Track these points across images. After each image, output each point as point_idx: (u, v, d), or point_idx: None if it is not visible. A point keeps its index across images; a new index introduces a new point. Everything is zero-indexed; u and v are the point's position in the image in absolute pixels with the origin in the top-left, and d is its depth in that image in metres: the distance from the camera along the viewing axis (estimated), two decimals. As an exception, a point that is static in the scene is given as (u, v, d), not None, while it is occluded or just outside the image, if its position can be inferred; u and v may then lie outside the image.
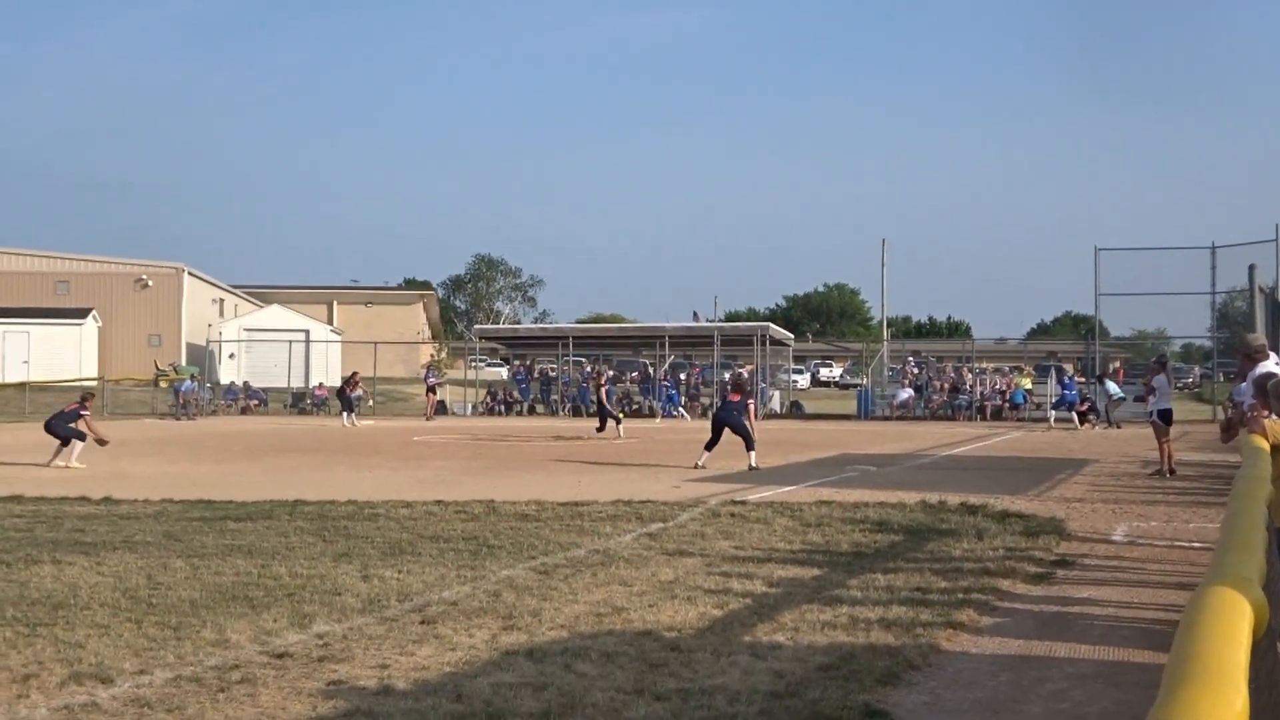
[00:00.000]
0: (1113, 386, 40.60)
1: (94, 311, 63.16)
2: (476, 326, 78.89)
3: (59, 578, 10.09)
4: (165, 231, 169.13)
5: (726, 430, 21.86)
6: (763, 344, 52.12)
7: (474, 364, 61.44)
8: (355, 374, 45.20)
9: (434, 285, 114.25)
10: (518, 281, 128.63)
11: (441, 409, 50.12)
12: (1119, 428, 38.80)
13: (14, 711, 6.27)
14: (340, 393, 44.22)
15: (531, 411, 52.57)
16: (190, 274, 67.56)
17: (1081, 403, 43.05)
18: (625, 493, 16.54)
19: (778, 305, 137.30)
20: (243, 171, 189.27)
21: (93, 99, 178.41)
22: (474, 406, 53.45)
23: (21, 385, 52.75)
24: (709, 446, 21.89)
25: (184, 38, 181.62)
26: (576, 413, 50.09)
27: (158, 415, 49.01)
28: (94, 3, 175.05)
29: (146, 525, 13.45)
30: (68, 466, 21.67)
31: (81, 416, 22.62)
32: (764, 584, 9.78)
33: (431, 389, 48.94)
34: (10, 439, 30.82)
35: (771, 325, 57.16)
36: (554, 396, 53.64)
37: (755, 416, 23.75)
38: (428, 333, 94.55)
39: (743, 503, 15.35)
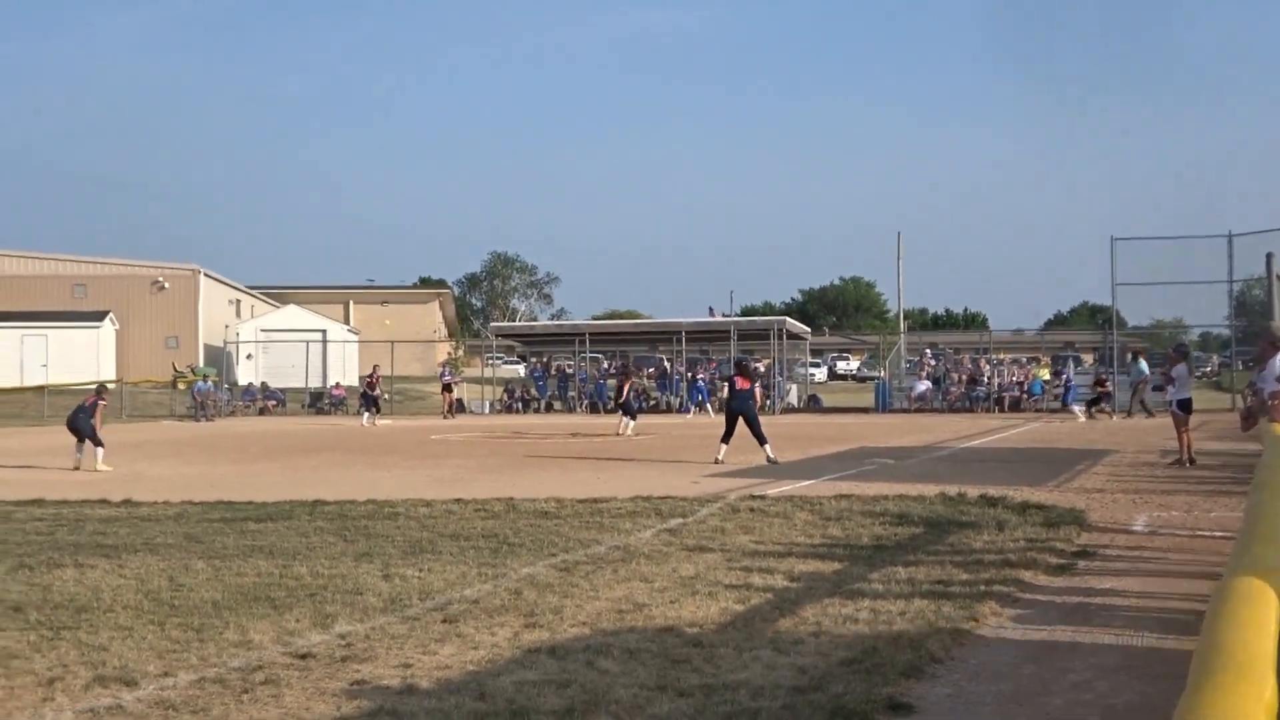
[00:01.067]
0: (1144, 366, 39.41)
1: (111, 314, 63.36)
2: (492, 324, 78.93)
3: (81, 581, 10.14)
4: (180, 233, 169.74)
5: (741, 422, 21.71)
6: (780, 338, 52.08)
7: (491, 362, 61.50)
8: (376, 368, 44.83)
9: (449, 284, 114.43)
10: (533, 279, 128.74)
11: (459, 407, 50.15)
12: (1151, 415, 37.22)
13: (40, 714, 6.29)
14: (364, 393, 43.79)
15: (549, 409, 52.60)
16: (206, 275, 67.73)
17: (1100, 383, 42.68)
18: (644, 489, 16.53)
19: (793, 299, 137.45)
20: (256, 172, 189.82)
21: (103, 99, 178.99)
22: (491, 404, 53.50)
23: (40, 389, 52.92)
24: (725, 439, 21.74)
25: (190, 36, 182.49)
26: (594, 409, 50.11)
27: (176, 417, 49.14)
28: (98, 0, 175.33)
29: (167, 527, 13.49)
30: (95, 470, 21.76)
31: (99, 406, 23.01)
32: (785, 578, 9.78)
33: (447, 387, 48.97)
34: (30, 442, 30.92)
35: (788, 319, 57.16)
36: (571, 393, 53.68)
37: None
38: (444, 331, 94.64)
39: (762, 497, 15.34)
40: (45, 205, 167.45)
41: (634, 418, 33.87)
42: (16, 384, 57.22)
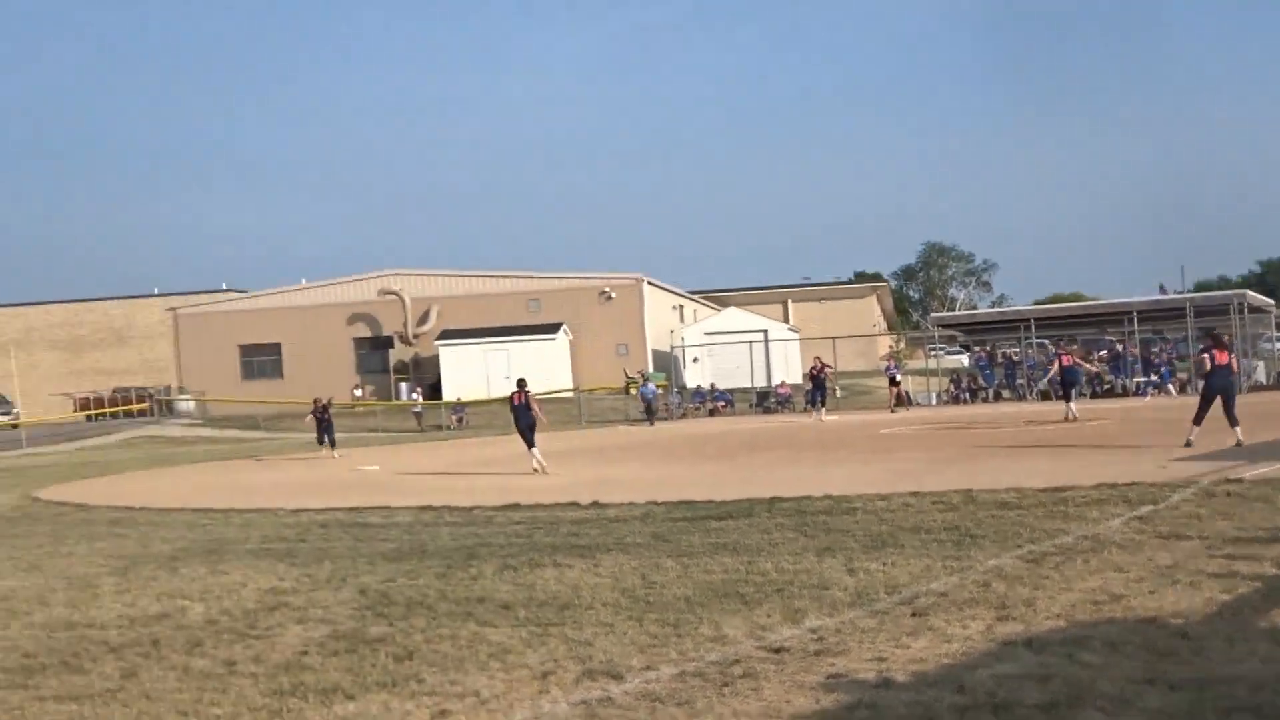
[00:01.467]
0: None
1: (564, 325, 66.43)
2: (933, 314, 77.99)
3: (561, 580, 10.66)
4: (623, 243, 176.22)
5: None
6: (1240, 313, 49.00)
7: (933, 353, 60.75)
8: (818, 358, 44.25)
9: (885, 277, 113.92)
10: (970, 267, 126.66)
11: (905, 399, 49.80)
12: None
13: (538, 706, 6.65)
14: (814, 384, 43.34)
15: (997, 398, 51.45)
16: (649, 283, 69.95)
17: None
18: (1108, 475, 15.89)
19: (1251, 271, 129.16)
20: (687, 180, 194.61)
21: (551, 124, 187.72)
22: (938, 395, 52.86)
23: (505, 400, 55.81)
24: (1198, 420, 20.34)
25: (610, 61, 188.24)
26: (1045, 397, 48.63)
27: (630, 422, 50.92)
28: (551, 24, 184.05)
29: (634, 527, 14.00)
30: (546, 471, 22.75)
31: (529, 395, 24.26)
32: (1274, 566, 9.21)
33: (893, 380, 48.75)
34: (499, 451, 32.81)
35: (1249, 292, 53.71)
36: (1020, 381, 52.31)
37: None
38: (883, 324, 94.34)
39: (1239, 480, 14.48)
40: (499, 226, 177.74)
41: (1071, 399, 32.87)
42: (483, 396, 60.78)
